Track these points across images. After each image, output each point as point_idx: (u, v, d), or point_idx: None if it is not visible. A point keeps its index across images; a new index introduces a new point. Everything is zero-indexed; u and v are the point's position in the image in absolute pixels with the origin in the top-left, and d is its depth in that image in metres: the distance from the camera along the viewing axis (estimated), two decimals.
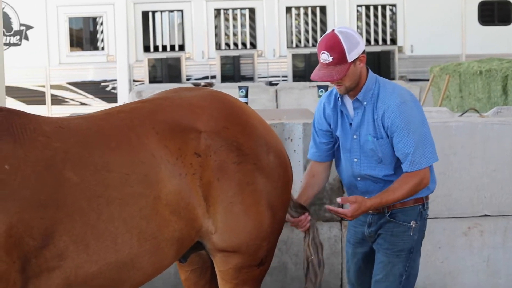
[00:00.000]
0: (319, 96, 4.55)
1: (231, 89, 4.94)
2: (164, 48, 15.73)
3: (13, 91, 14.73)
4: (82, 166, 2.40)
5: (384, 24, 15.95)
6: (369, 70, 3.04)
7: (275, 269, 4.83)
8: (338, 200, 3.01)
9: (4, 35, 14.16)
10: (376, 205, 2.95)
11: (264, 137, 2.80)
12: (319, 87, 4.56)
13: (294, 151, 4.66)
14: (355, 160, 3.06)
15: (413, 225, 3.06)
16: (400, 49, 15.49)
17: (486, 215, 4.67)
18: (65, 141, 2.42)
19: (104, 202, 2.39)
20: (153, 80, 15.30)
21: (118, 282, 2.47)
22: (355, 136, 3.04)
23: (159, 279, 4.50)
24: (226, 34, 16.05)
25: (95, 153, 2.45)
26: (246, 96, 4.62)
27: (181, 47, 15.72)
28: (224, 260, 2.73)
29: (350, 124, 3.05)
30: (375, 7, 15.80)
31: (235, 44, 16.01)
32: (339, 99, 3.08)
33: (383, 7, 15.84)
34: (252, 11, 15.69)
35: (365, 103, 2.99)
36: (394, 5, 15.76)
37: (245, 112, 2.82)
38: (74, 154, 2.41)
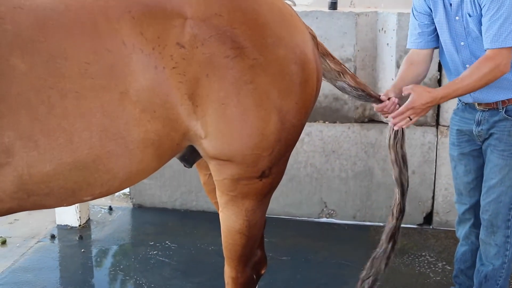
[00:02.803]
0: None
1: None
2: None
3: None
4: (33, 52, 2.07)
5: None
6: None
7: (361, 173, 4.46)
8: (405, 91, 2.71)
9: None
10: (446, 94, 2.68)
11: (273, 27, 2.31)
12: None
13: (387, 44, 4.13)
14: (462, 43, 2.78)
15: None
16: None
17: None
18: (19, 23, 2.08)
19: (57, 95, 2.08)
20: None
21: (84, 185, 2.21)
22: (457, 18, 2.74)
23: None
24: None
25: (52, 37, 2.10)
26: None
27: None
28: (218, 169, 2.40)
29: (451, 4, 2.75)
30: None
31: None
32: None
33: None
34: None
35: None
36: None
37: None
38: (25, 38, 2.08)
